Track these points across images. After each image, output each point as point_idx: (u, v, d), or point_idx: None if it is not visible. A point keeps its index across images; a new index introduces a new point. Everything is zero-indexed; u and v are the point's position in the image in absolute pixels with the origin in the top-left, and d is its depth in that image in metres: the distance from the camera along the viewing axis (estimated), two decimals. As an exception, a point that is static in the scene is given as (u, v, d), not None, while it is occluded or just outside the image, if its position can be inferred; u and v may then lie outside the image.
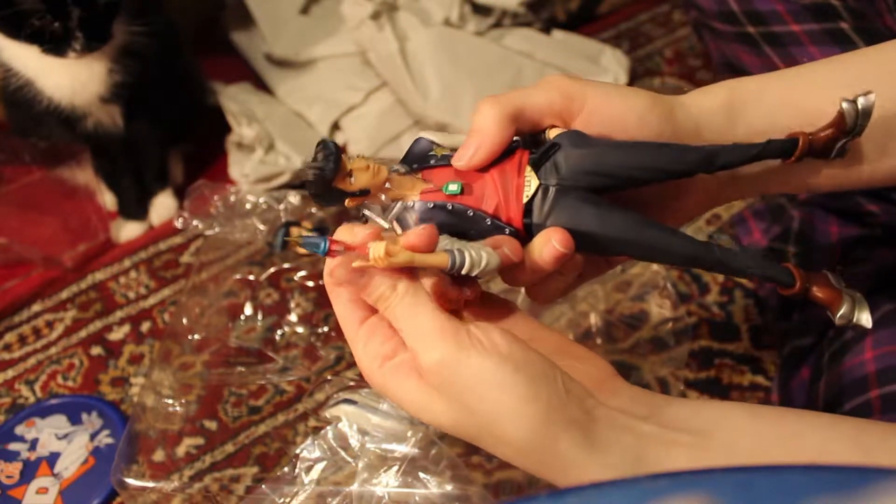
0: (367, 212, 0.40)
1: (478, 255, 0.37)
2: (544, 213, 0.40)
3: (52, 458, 0.69)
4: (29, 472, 0.68)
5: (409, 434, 0.59)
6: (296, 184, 0.93)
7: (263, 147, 0.94)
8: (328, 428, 0.60)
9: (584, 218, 0.40)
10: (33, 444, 0.70)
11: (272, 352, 0.75)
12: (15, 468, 0.68)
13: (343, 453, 0.59)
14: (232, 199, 0.83)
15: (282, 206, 0.84)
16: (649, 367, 0.67)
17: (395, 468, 0.58)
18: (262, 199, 0.84)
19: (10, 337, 0.81)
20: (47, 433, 0.71)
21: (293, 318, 0.78)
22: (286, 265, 0.82)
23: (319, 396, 0.70)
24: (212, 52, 1.07)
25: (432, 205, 0.40)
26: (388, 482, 0.57)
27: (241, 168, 0.94)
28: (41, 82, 0.77)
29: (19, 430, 0.71)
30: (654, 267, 0.72)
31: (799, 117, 0.42)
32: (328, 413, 0.62)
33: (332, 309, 0.41)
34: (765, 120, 0.42)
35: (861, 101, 0.39)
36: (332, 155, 0.37)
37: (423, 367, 0.36)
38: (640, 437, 0.37)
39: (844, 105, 0.40)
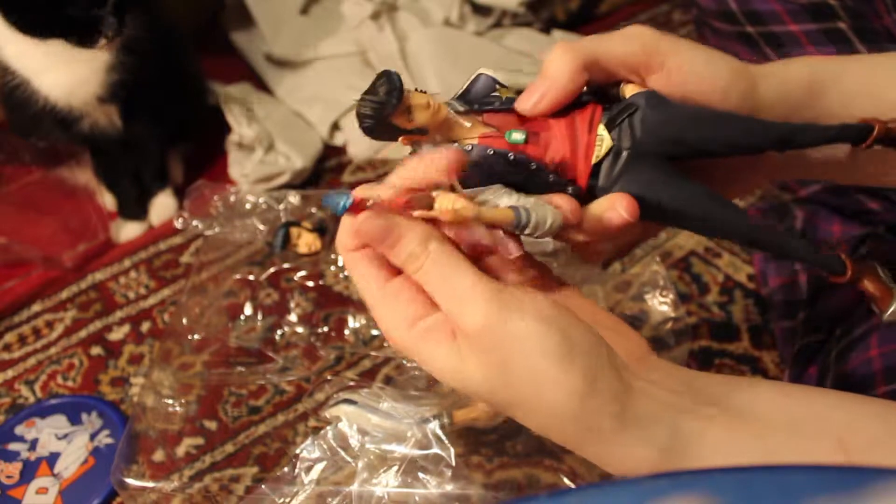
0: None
1: (543, 214, 0.35)
2: (613, 177, 0.38)
3: (52, 458, 0.69)
4: (29, 472, 0.68)
5: (409, 434, 0.59)
6: (296, 184, 0.93)
7: (263, 147, 0.94)
8: (328, 428, 0.60)
9: (655, 188, 0.38)
10: (33, 444, 0.70)
11: (272, 352, 0.75)
12: (15, 468, 0.68)
13: (343, 453, 0.59)
14: (232, 199, 0.83)
15: (282, 206, 0.84)
16: (649, 367, 0.67)
17: (395, 468, 0.58)
18: (262, 199, 0.84)
19: (10, 337, 0.81)
20: (47, 433, 0.71)
21: (293, 318, 0.78)
22: (286, 265, 0.82)
23: (319, 396, 0.70)
24: (212, 52, 1.07)
25: (492, 151, 0.37)
26: (387, 482, 0.57)
27: (241, 168, 0.94)
28: (39, 81, 0.77)
29: (19, 430, 0.71)
30: (654, 267, 0.72)
31: (876, 106, 0.40)
32: (328, 413, 0.62)
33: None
34: (841, 104, 0.41)
35: None
36: (395, 90, 0.34)
37: (466, 329, 0.34)
38: (678, 412, 0.36)
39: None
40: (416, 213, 0.34)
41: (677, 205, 0.38)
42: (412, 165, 0.35)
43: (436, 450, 0.58)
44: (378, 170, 0.97)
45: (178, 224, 0.81)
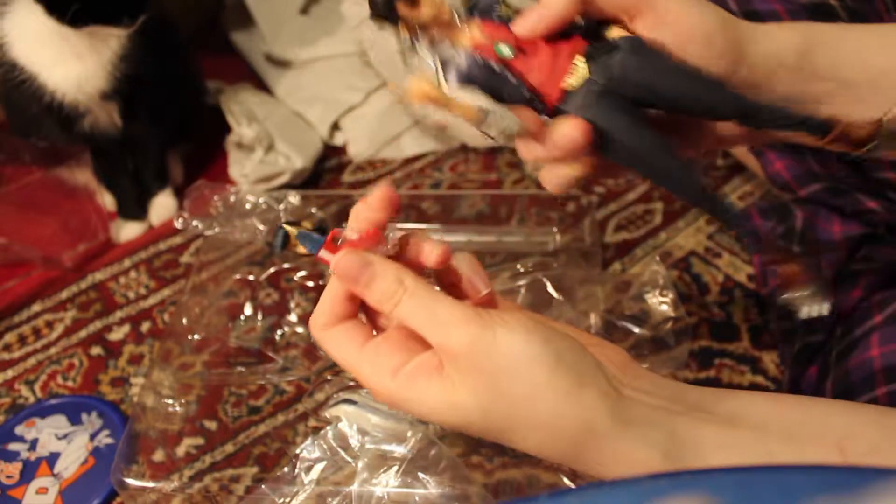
0: (418, 46, 0.41)
1: (506, 119, 0.39)
2: (581, 106, 0.40)
3: (52, 458, 0.69)
4: (29, 472, 0.68)
5: (409, 434, 0.59)
6: (296, 184, 0.93)
7: (263, 147, 0.94)
8: (328, 428, 0.60)
9: (616, 124, 0.40)
10: (33, 444, 0.70)
11: (272, 352, 0.75)
12: (15, 468, 0.68)
13: (343, 453, 0.59)
14: (232, 199, 0.83)
15: (282, 206, 0.84)
16: (649, 368, 0.67)
17: (395, 468, 0.58)
18: (262, 199, 0.84)
19: (10, 337, 0.81)
20: (47, 433, 0.71)
21: (293, 318, 0.78)
22: (286, 265, 0.82)
23: (319, 396, 0.70)
24: (212, 52, 1.07)
25: (480, 59, 0.40)
26: (387, 482, 0.57)
27: (241, 168, 0.94)
28: (47, 76, 0.78)
29: (19, 430, 0.71)
30: (654, 267, 0.72)
31: (865, 72, 0.41)
32: (328, 413, 0.62)
33: (329, 353, 0.42)
34: (830, 67, 0.41)
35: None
36: None
37: (454, 350, 0.35)
38: (672, 415, 0.36)
39: (885, 118, 0.40)
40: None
41: (634, 148, 0.40)
42: (356, 212, 0.41)
43: (436, 450, 0.58)
44: (378, 170, 0.97)
45: (178, 224, 0.81)
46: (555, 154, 0.40)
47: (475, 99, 0.39)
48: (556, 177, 0.43)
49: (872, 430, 0.36)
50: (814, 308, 0.42)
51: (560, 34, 0.40)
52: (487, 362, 0.35)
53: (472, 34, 0.40)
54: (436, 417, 0.37)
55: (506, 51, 0.39)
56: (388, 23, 0.39)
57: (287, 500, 0.58)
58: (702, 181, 0.41)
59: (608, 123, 0.40)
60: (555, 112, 0.40)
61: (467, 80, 0.40)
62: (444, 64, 0.40)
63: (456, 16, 0.40)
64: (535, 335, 0.35)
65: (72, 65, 0.77)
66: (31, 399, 0.75)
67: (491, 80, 0.40)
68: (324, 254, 0.41)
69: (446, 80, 0.40)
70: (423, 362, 0.37)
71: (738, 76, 0.41)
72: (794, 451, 0.35)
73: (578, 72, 0.40)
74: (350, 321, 0.42)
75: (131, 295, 0.84)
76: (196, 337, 0.75)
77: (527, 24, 0.40)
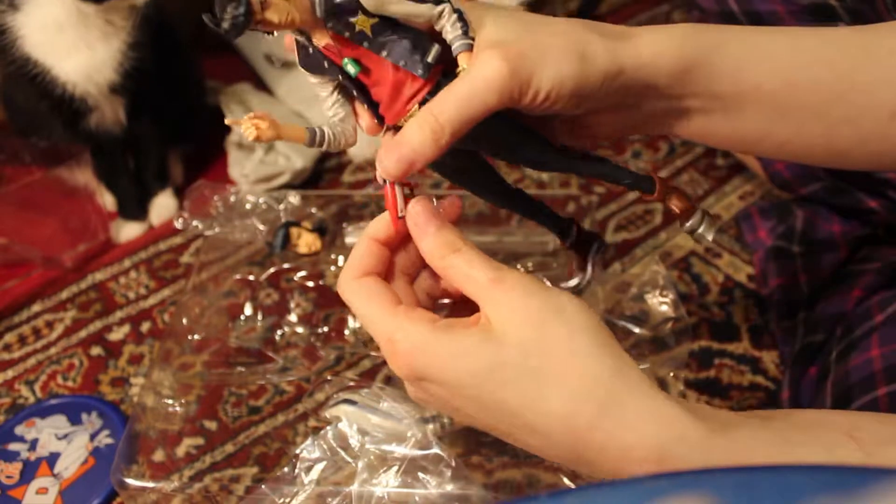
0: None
1: (337, 134, 0.42)
2: None
3: (52, 459, 0.69)
4: (29, 472, 0.68)
5: (409, 434, 0.59)
6: (296, 184, 0.93)
7: (263, 147, 0.94)
8: (328, 428, 0.60)
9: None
10: (33, 445, 0.70)
11: (272, 352, 0.75)
12: (15, 468, 0.68)
13: (343, 453, 0.59)
14: (232, 199, 0.83)
15: (282, 206, 0.84)
16: (649, 367, 0.67)
17: (395, 468, 0.58)
18: (262, 199, 0.84)
19: (10, 337, 0.81)
20: (47, 433, 0.71)
21: (293, 318, 0.78)
22: (286, 265, 0.82)
23: (319, 396, 0.70)
24: (212, 52, 1.07)
25: (328, 64, 0.41)
26: (387, 482, 0.57)
27: (241, 168, 0.94)
28: (59, 68, 0.79)
29: (19, 430, 0.71)
30: (654, 267, 0.72)
31: (737, 85, 0.41)
32: (328, 413, 0.62)
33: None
34: (705, 84, 0.42)
35: (695, 231, 0.46)
36: (241, 5, 0.38)
37: (505, 285, 0.37)
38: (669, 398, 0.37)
39: (687, 225, 0.46)
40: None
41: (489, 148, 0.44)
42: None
43: (436, 450, 0.58)
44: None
45: (178, 224, 0.81)
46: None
47: (329, 100, 0.42)
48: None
49: (876, 424, 0.36)
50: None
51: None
52: (538, 303, 0.37)
53: (325, 37, 0.40)
54: (468, 361, 0.37)
55: (352, 69, 0.39)
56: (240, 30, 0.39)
57: (287, 500, 0.58)
58: (575, 155, 0.44)
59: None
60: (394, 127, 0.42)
61: (317, 71, 0.41)
62: (307, 60, 0.41)
63: (316, 10, 0.39)
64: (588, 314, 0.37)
65: (84, 55, 0.78)
66: (31, 399, 0.75)
67: (337, 76, 0.41)
68: (395, 189, 0.42)
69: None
70: (462, 319, 0.39)
71: (611, 96, 0.41)
72: (808, 439, 0.35)
73: (413, 114, 0.40)
74: (381, 278, 0.42)
75: (131, 295, 0.84)
76: (196, 337, 0.75)
77: (389, 165, 0.40)
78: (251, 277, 0.82)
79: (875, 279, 0.66)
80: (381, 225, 0.43)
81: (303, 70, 0.42)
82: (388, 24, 0.39)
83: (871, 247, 0.70)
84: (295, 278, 0.82)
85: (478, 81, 0.37)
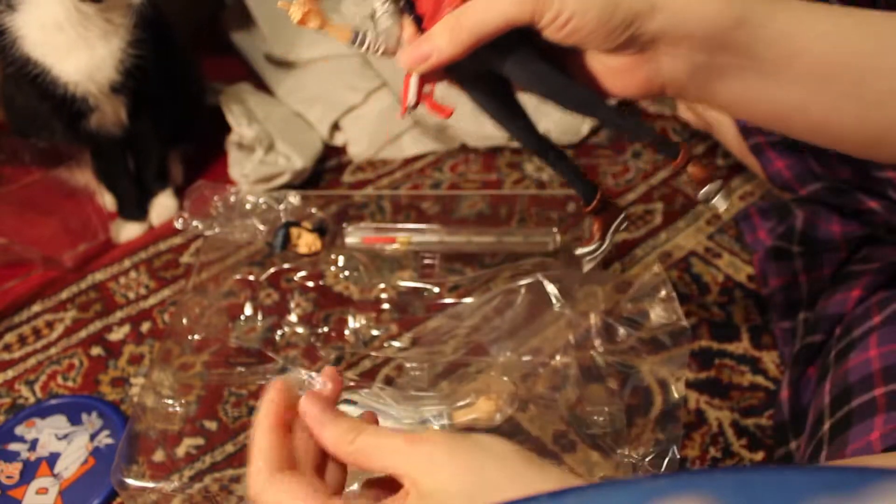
0: None
1: (380, 38, 0.44)
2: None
3: (52, 459, 0.69)
4: (29, 472, 0.68)
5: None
6: (296, 184, 0.93)
7: (263, 147, 0.94)
8: (328, 428, 0.60)
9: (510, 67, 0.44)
10: (33, 445, 0.70)
11: (272, 352, 0.75)
12: (15, 468, 0.68)
13: (343, 453, 0.59)
14: (232, 199, 0.83)
15: (282, 206, 0.84)
16: (649, 368, 0.67)
17: (395, 468, 0.58)
18: (262, 199, 0.84)
19: (10, 337, 0.81)
20: (47, 433, 0.71)
21: (293, 318, 0.78)
22: (286, 265, 0.82)
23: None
24: (212, 52, 1.07)
25: None
26: (388, 482, 0.57)
27: (241, 168, 0.94)
28: (59, 67, 0.78)
29: (19, 430, 0.71)
30: (655, 268, 0.72)
31: (781, 50, 0.41)
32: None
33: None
34: (747, 46, 0.41)
35: (711, 203, 0.47)
36: None
37: (430, 443, 0.35)
38: None
39: (702, 191, 0.47)
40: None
41: (525, 82, 0.45)
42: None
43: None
44: (378, 170, 0.97)
45: (178, 224, 0.81)
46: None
47: (382, 8, 0.44)
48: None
49: None
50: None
51: None
52: (465, 446, 0.35)
53: None
54: None
55: None
56: None
57: (287, 500, 0.58)
58: (609, 106, 0.45)
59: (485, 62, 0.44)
60: None
61: None
62: None
63: None
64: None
65: (84, 54, 0.78)
66: (31, 399, 0.75)
67: None
68: (412, 78, 0.44)
69: None
70: (390, 499, 0.36)
71: (642, 41, 0.41)
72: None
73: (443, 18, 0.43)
74: (296, 471, 0.39)
75: (131, 295, 0.84)
76: (196, 337, 0.75)
77: (411, 57, 0.43)
78: (251, 277, 0.82)
79: (875, 279, 0.66)
80: (272, 407, 0.40)
81: None
82: None
83: (872, 247, 0.70)
84: (295, 278, 0.82)
85: None
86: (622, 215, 0.51)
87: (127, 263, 0.87)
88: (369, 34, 0.44)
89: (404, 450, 0.36)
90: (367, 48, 0.44)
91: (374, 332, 0.76)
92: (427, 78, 0.45)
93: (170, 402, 0.70)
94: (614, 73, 0.44)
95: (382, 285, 0.80)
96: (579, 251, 0.50)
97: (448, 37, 0.41)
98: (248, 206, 0.83)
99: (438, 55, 0.42)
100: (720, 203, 0.47)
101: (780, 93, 0.42)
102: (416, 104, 0.45)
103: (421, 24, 0.44)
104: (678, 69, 0.42)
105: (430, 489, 0.34)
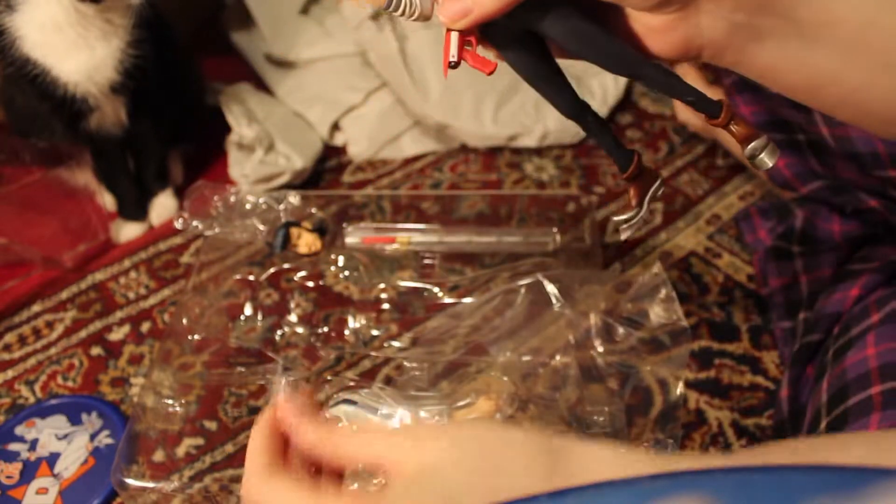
0: None
1: (412, 5, 0.42)
2: None
3: (52, 459, 0.69)
4: (29, 472, 0.68)
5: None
6: (296, 184, 0.93)
7: (263, 147, 0.94)
8: (328, 428, 0.60)
9: (549, 23, 0.42)
10: (33, 445, 0.70)
11: (272, 352, 0.75)
12: (15, 468, 0.68)
13: (343, 453, 0.59)
14: (232, 199, 0.83)
15: (282, 206, 0.84)
16: (649, 368, 0.67)
17: (395, 468, 0.58)
18: (262, 200, 0.84)
19: (10, 337, 0.81)
20: (47, 433, 0.71)
21: (293, 318, 0.78)
22: (286, 265, 0.82)
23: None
24: (212, 52, 1.07)
25: None
26: (388, 482, 0.57)
27: (241, 168, 0.94)
28: (59, 68, 0.78)
29: (19, 430, 0.71)
30: (655, 268, 0.72)
31: (822, 14, 0.41)
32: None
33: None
34: (788, 7, 0.41)
35: (757, 158, 0.46)
36: None
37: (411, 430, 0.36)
38: None
39: (749, 148, 0.46)
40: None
41: (567, 37, 0.43)
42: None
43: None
44: (378, 170, 0.97)
45: (178, 224, 0.81)
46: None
47: None
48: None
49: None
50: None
51: None
52: (451, 424, 0.35)
53: None
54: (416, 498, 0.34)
55: None
56: None
57: (287, 500, 0.58)
58: (639, 57, 0.44)
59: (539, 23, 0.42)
60: None
61: None
62: None
63: None
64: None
65: (84, 54, 0.78)
66: (31, 399, 0.75)
67: None
68: (452, 36, 0.42)
69: None
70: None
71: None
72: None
73: None
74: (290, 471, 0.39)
75: (131, 295, 0.84)
76: (196, 337, 0.75)
77: (450, 12, 0.41)
78: (251, 277, 0.82)
79: (873, 278, 0.66)
80: (270, 411, 0.41)
81: None
82: None
83: (871, 246, 0.70)
84: (295, 278, 0.82)
85: None
86: (659, 181, 0.50)
87: (127, 263, 0.87)
88: (402, 4, 0.42)
89: (383, 438, 0.36)
90: (403, 12, 0.42)
91: (374, 332, 0.76)
92: (466, 34, 0.43)
93: (170, 402, 0.70)
94: (654, 32, 0.43)
95: (382, 285, 0.80)
96: (616, 218, 0.49)
97: None
98: (248, 206, 0.83)
99: (481, 9, 0.40)
100: (767, 159, 0.46)
101: (816, 59, 0.42)
102: (459, 62, 0.43)
103: None
104: (718, 29, 0.42)
105: (417, 468, 0.34)
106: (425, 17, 0.43)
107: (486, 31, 0.43)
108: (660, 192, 0.50)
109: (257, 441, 0.40)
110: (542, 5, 0.41)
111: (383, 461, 0.35)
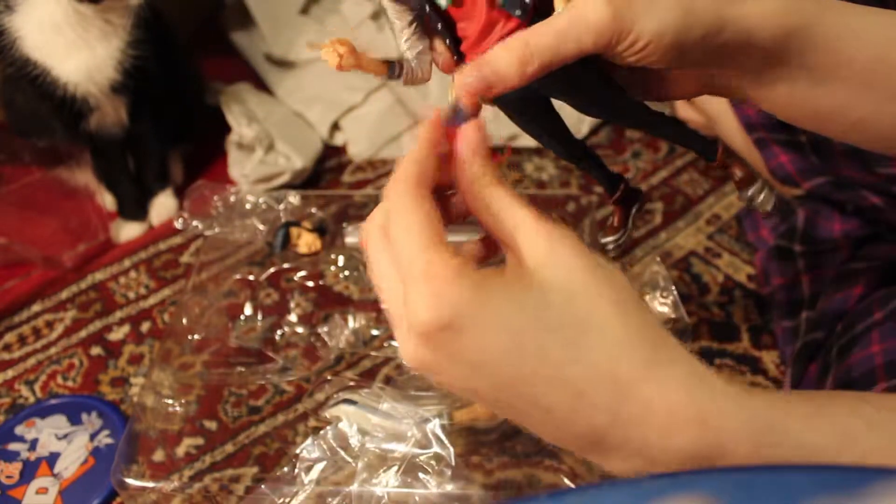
0: None
1: (414, 67, 0.41)
2: None
3: (52, 459, 0.69)
4: (29, 472, 0.68)
5: (409, 434, 0.59)
6: (296, 184, 0.93)
7: (263, 147, 0.94)
8: (328, 428, 0.60)
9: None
10: (33, 445, 0.70)
11: (272, 352, 0.75)
12: (15, 468, 0.68)
13: (343, 453, 0.59)
14: (232, 199, 0.83)
15: (282, 206, 0.84)
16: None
17: (395, 468, 0.58)
18: (262, 199, 0.84)
19: (10, 337, 0.81)
20: (47, 433, 0.71)
21: (293, 318, 0.78)
22: (286, 265, 0.82)
23: (319, 396, 0.70)
24: (212, 52, 1.07)
25: None
26: (387, 482, 0.57)
27: (241, 168, 0.94)
28: (59, 68, 0.79)
29: (19, 430, 0.71)
30: (654, 267, 0.72)
31: (832, 56, 0.41)
32: (328, 413, 0.62)
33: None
34: (799, 53, 0.41)
35: (754, 200, 0.47)
36: None
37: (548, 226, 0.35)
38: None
39: (748, 193, 0.47)
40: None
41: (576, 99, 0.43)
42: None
43: (436, 450, 0.58)
44: (378, 170, 0.97)
45: (178, 224, 0.81)
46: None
47: (404, 32, 0.40)
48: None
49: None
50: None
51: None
52: (581, 251, 0.35)
53: None
54: (512, 298, 0.33)
55: (444, 1, 0.39)
56: None
57: (287, 500, 0.58)
58: (641, 106, 0.45)
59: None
60: None
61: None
62: None
63: None
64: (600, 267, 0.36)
65: (83, 54, 0.78)
66: (31, 399, 0.75)
67: (432, 15, 0.40)
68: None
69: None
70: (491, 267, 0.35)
71: (706, 54, 0.40)
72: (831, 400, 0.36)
73: (505, 41, 0.39)
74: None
75: (131, 295, 0.84)
76: (196, 337, 0.75)
77: (468, 81, 0.38)
78: (251, 277, 0.82)
79: (876, 276, 0.66)
80: (433, 128, 0.40)
81: None
82: None
83: (873, 245, 0.70)
84: (295, 278, 0.82)
85: (578, 20, 0.36)
86: (641, 199, 0.51)
87: (127, 263, 0.87)
88: (405, 63, 0.40)
89: (531, 224, 0.36)
90: (405, 77, 0.41)
91: (374, 332, 0.76)
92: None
93: (170, 401, 0.70)
94: (672, 79, 0.44)
95: (382, 285, 0.80)
96: (603, 240, 0.50)
97: (517, 65, 0.36)
98: (248, 206, 0.83)
99: (503, 84, 0.37)
100: (765, 204, 0.46)
101: (825, 96, 0.42)
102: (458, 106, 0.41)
103: (458, 47, 0.40)
104: (731, 78, 0.43)
105: (538, 272, 0.34)
106: (424, 79, 0.42)
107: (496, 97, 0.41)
108: (643, 207, 0.52)
109: (423, 153, 0.39)
110: (563, 75, 0.39)
111: (513, 247, 0.36)
